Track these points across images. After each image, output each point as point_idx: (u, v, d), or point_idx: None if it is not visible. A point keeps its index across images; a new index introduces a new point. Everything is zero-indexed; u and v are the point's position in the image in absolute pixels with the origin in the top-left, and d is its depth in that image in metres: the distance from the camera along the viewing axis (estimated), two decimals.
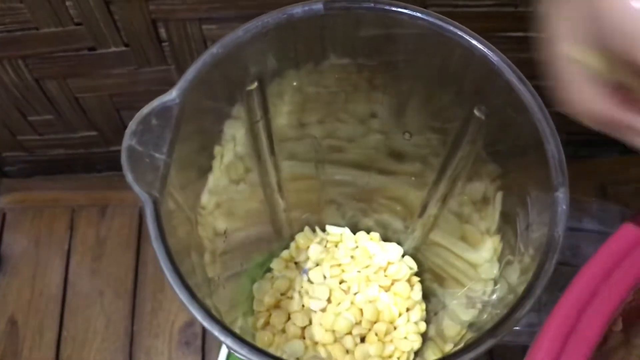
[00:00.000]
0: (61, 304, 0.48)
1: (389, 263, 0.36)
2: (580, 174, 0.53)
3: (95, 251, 0.50)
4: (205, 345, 0.47)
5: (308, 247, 0.37)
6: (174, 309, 0.48)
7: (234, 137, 0.26)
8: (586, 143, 0.53)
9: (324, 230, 0.38)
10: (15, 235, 0.50)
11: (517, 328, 0.33)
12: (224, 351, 0.42)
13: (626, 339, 0.25)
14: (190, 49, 0.42)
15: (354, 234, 0.38)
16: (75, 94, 0.45)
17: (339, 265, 0.36)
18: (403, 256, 0.37)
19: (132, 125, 0.21)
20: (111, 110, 0.47)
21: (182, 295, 0.19)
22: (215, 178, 0.26)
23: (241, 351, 0.18)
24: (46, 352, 0.47)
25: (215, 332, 0.18)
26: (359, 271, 0.36)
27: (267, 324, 0.36)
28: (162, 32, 0.41)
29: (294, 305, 0.36)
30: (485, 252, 0.26)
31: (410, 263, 0.36)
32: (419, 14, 0.23)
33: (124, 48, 0.41)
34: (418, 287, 0.35)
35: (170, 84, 0.47)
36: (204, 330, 0.48)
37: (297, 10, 0.22)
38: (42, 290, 0.48)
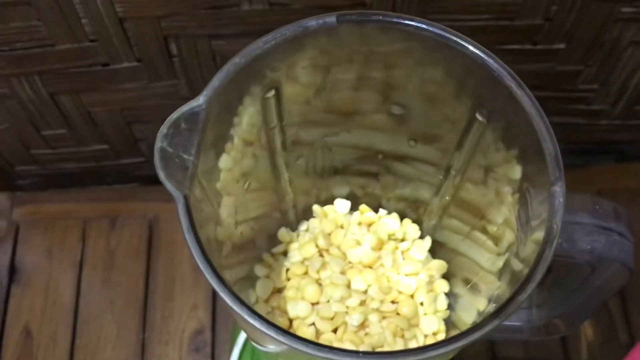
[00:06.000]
0: (74, 313, 0.49)
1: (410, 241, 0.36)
2: (578, 182, 0.55)
3: (107, 261, 0.51)
4: (215, 352, 0.49)
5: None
6: (184, 317, 0.50)
7: (251, 140, 0.28)
8: (583, 152, 0.54)
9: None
10: (28, 246, 0.52)
11: (518, 324, 0.35)
12: (234, 357, 0.44)
13: None
14: (200, 64, 0.44)
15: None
16: (88, 108, 0.47)
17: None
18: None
19: (163, 129, 0.22)
20: (122, 124, 0.49)
21: (214, 282, 0.20)
22: (232, 177, 0.28)
23: (268, 332, 0.19)
24: None
25: (245, 315, 0.20)
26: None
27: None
28: (173, 47, 0.42)
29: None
30: (492, 245, 0.28)
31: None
32: (424, 26, 0.25)
33: (136, 63, 0.43)
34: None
35: (180, 98, 0.49)
36: (214, 337, 0.49)
37: (312, 23, 0.24)
38: (55, 300, 0.50)
